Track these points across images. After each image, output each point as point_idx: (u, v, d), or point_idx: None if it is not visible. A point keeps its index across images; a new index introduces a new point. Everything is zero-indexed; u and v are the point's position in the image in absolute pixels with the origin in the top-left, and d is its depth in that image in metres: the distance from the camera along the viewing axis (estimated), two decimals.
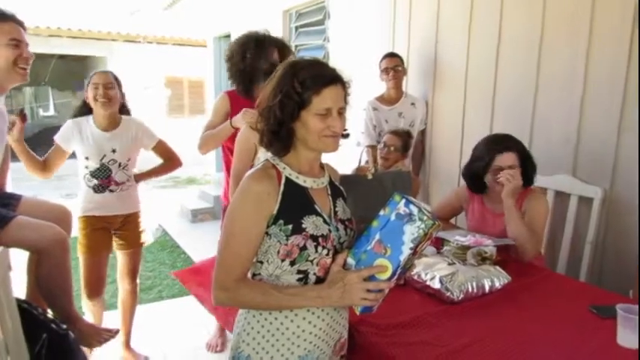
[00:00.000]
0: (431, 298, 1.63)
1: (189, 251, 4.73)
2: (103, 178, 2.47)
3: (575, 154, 2.47)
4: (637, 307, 1.36)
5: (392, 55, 3.31)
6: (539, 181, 2.52)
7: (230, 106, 2.46)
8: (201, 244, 4.73)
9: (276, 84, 1.19)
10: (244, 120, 2.16)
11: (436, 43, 3.29)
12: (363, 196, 1.68)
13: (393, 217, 1.12)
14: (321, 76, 1.17)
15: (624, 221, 2.29)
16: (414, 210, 1.11)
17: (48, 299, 1.81)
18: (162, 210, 6.41)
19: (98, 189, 2.47)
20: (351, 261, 1.16)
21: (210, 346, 2.90)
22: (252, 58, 2.34)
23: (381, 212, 1.15)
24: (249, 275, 1.26)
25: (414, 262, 1.28)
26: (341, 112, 1.20)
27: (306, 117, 1.16)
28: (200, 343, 2.95)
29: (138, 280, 2.75)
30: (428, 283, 1.65)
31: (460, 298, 1.59)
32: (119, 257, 2.66)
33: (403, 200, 1.13)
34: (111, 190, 2.50)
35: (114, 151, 2.47)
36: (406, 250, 1.10)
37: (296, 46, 5.30)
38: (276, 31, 5.54)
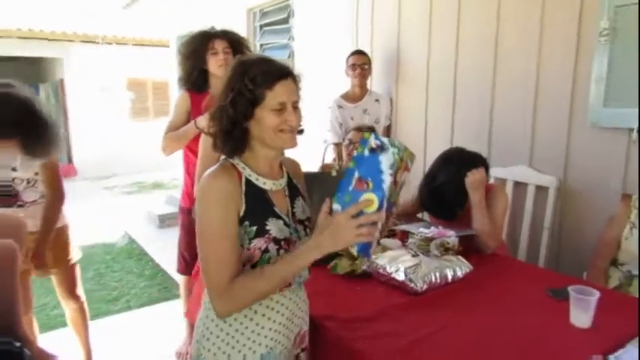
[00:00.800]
0: (396, 290, 1.67)
1: (158, 258, 4.62)
2: (6, 197, 2.17)
3: (532, 147, 2.58)
4: (588, 288, 1.44)
5: (360, 53, 3.35)
6: (499, 172, 2.62)
7: (190, 104, 2.44)
8: (170, 250, 4.58)
9: (227, 84, 1.17)
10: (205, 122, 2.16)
11: (398, 40, 3.36)
12: (328, 193, 1.70)
13: (366, 153, 1.15)
14: (272, 71, 1.15)
15: (577, 208, 2.41)
16: (385, 140, 1.14)
17: None
18: (128, 216, 6.26)
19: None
20: (336, 206, 1.14)
21: (180, 354, 2.84)
22: (200, 52, 2.34)
23: (355, 153, 1.17)
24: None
25: (399, 199, 1.27)
26: (295, 107, 1.19)
27: (260, 114, 1.15)
28: (171, 351, 2.89)
29: (82, 297, 2.51)
30: (392, 275, 1.68)
31: (424, 289, 1.63)
32: (52, 278, 2.38)
33: (372, 135, 1.16)
34: (20, 206, 2.18)
35: (14, 169, 2.16)
36: (387, 178, 1.11)
37: (261, 45, 5.28)
38: (241, 30, 5.50)
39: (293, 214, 1.28)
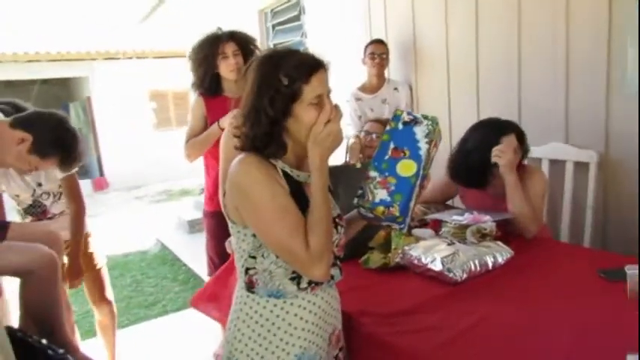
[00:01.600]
0: (433, 281, 1.58)
1: (190, 263, 4.68)
2: (38, 214, 2.28)
3: (566, 122, 2.43)
4: None
5: (379, 42, 3.28)
6: (533, 151, 2.48)
7: (206, 108, 2.42)
8: (201, 255, 4.64)
9: (258, 81, 1.11)
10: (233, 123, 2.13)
11: (414, 24, 3.24)
12: (354, 186, 1.63)
13: (400, 127, 1.21)
14: (306, 63, 1.11)
15: (622, 183, 2.25)
16: (417, 115, 1.21)
17: (38, 326, 1.73)
18: (159, 224, 6.37)
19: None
20: (373, 173, 1.18)
21: (218, 356, 2.83)
22: (210, 57, 2.31)
23: (388, 127, 1.21)
24: (243, 270, 1.20)
25: (429, 174, 1.30)
26: (328, 97, 1.14)
27: (299, 110, 1.09)
28: (208, 353, 2.89)
29: (113, 301, 2.55)
30: (429, 266, 1.59)
31: (464, 278, 1.54)
32: (83, 284, 2.40)
33: (405, 112, 1.22)
34: (49, 218, 2.28)
35: (39, 184, 2.23)
36: (423, 146, 1.18)
37: (274, 45, 5.25)
38: (253, 31, 5.49)
39: None
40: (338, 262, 1.25)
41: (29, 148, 1.79)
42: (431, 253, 1.62)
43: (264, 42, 5.36)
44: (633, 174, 2.19)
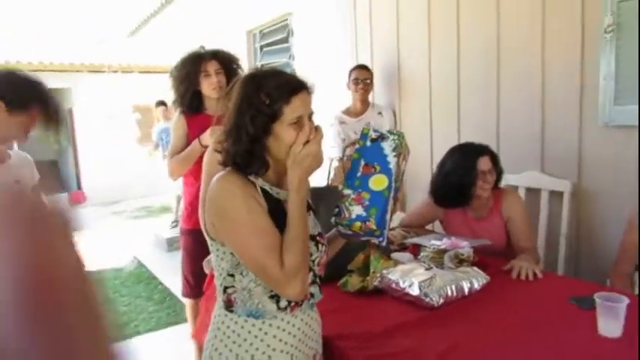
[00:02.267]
0: (410, 305, 1.59)
1: (166, 282, 4.59)
2: None
3: (542, 151, 2.51)
4: (616, 295, 1.36)
5: (363, 67, 3.35)
6: (510, 179, 2.55)
7: (187, 126, 2.42)
8: (179, 274, 4.60)
9: (241, 99, 1.13)
10: (213, 137, 2.14)
11: (398, 51, 3.33)
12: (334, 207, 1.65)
13: (368, 143, 1.24)
14: (288, 84, 1.13)
15: (595, 212, 2.32)
16: (383, 131, 1.25)
17: None
18: (136, 241, 6.25)
19: None
20: (347, 191, 1.21)
21: None
22: (193, 75, 2.32)
23: (356, 146, 1.25)
24: (221, 289, 1.20)
25: (400, 187, 1.33)
26: (310, 118, 1.16)
27: (279, 129, 1.11)
28: None
29: None
30: (407, 290, 1.61)
31: (440, 303, 1.56)
32: None
33: (371, 128, 1.26)
34: None
35: (17, 182, 2.19)
36: (392, 160, 1.22)
37: (262, 66, 5.30)
38: (241, 52, 5.54)
39: None
40: (318, 281, 1.25)
41: (6, 109, 1.73)
42: (409, 277, 1.63)
43: (252, 62, 5.41)
44: (605, 204, 2.26)
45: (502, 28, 2.61)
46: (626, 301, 1.31)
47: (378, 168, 1.22)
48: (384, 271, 1.70)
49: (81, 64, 9.76)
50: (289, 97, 1.11)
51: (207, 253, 2.55)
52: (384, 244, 1.24)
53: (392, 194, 1.21)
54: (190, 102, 2.39)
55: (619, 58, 2.10)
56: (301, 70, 4.48)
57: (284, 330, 1.18)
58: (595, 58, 2.19)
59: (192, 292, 2.60)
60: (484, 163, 2.07)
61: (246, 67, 5.34)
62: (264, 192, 1.16)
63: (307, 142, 1.11)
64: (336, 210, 1.22)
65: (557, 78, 2.38)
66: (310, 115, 1.16)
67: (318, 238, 1.25)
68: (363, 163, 1.22)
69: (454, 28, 2.87)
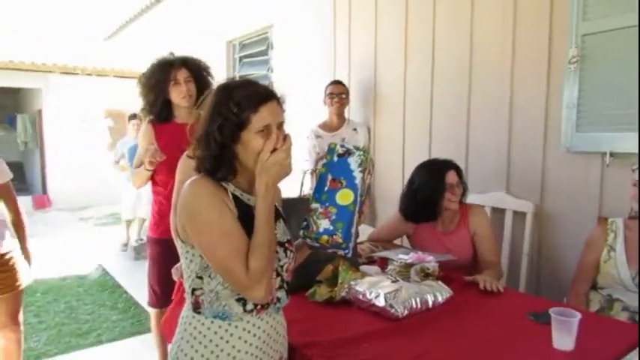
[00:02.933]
0: (376, 316, 1.63)
1: (132, 291, 4.49)
2: None
3: (508, 173, 2.61)
4: (569, 310, 1.43)
5: (338, 83, 3.41)
6: (477, 199, 2.63)
7: (154, 134, 2.39)
8: (145, 283, 4.51)
9: (212, 108, 1.17)
10: (147, 158, 2.24)
11: (375, 70, 3.42)
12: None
13: (335, 158, 1.28)
14: (256, 94, 1.16)
15: (555, 233, 2.43)
16: (349, 146, 1.30)
17: None
18: (103, 248, 6.10)
19: None
20: (315, 205, 1.25)
21: None
22: (162, 83, 2.30)
23: (324, 160, 1.29)
24: (190, 291, 1.22)
25: (365, 201, 1.36)
26: (280, 127, 1.18)
27: (247, 137, 1.14)
28: None
29: (22, 327, 2.44)
30: (373, 301, 1.64)
31: (405, 314, 1.60)
32: None
33: (338, 144, 1.30)
34: None
35: None
36: (358, 175, 1.26)
37: (240, 77, 5.32)
38: (220, 62, 5.57)
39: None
40: (285, 286, 1.28)
41: None
42: (375, 288, 1.67)
43: (231, 73, 5.43)
44: (565, 226, 2.37)
45: (474, 53, 2.72)
46: (578, 316, 1.38)
47: (344, 183, 1.26)
48: (352, 283, 1.73)
49: (53, 64, 9.50)
50: (257, 106, 1.14)
51: (175, 261, 2.56)
52: (349, 255, 1.28)
53: (357, 208, 1.25)
54: (160, 110, 2.37)
55: (582, 88, 2.22)
56: (279, 83, 4.53)
57: (249, 332, 1.20)
58: (560, 87, 2.31)
59: (158, 302, 2.56)
60: (451, 177, 2.19)
61: (224, 77, 5.38)
62: (235, 198, 1.19)
63: (275, 150, 1.14)
64: (304, 223, 1.26)
65: (525, 103, 2.49)
66: (280, 124, 1.19)
67: (287, 245, 1.28)
68: (330, 177, 1.26)
69: (430, 51, 2.97)
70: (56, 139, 9.62)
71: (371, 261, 2.19)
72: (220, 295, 1.18)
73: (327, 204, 1.23)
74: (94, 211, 9.21)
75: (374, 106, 3.46)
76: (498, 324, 1.60)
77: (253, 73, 5.13)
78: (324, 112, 3.46)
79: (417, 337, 1.49)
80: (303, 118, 3.51)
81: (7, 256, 2.31)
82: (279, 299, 1.25)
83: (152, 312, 2.68)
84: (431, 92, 3.00)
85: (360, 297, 1.69)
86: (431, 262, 1.92)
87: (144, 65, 2.43)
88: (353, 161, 1.27)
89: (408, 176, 2.95)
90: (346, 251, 1.26)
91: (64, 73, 9.63)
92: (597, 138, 2.18)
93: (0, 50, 9.07)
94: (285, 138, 1.17)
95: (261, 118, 1.14)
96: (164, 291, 2.50)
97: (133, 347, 3.34)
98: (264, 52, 4.87)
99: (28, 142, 10.11)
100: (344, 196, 1.24)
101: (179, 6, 5.91)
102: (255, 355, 1.21)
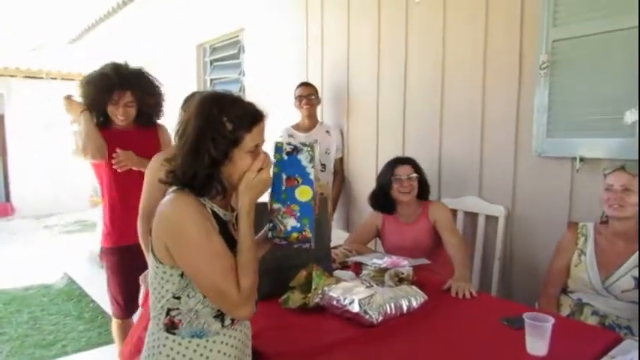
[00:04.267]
0: (350, 322, 1.60)
1: (99, 300, 4.33)
2: None
3: (480, 177, 2.62)
4: (542, 315, 1.42)
5: (306, 85, 3.39)
6: (450, 203, 2.64)
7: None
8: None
9: (202, 122, 1.13)
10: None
11: (348, 72, 3.41)
12: None
13: (285, 157, 1.30)
14: (251, 113, 1.17)
15: (526, 237, 2.45)
16: (296, 143, 1.33)
17: None
18: (68, 256, 5.89)
19: None
20: (277, 205, 1.27)
21: None
22: (101, 102, 2.28)
23: (274, 160, 1.29)
24: (163, 311, 1.18)
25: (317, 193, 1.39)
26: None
27: (237, 156, 1.15)
28: None
29: None
30: (347, 307, 1.61)
31: (379, 320, 1.57)
32: None
33: (284, 143, 1.31)
34: None
35: None
36: (311, 170, 1.29)
37: (211, 80, 5.25)
38: (190, 65, 5.48)
39: None
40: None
41: None
42: (350, 294, 1.64)
43: (201, 76, 5.34)
44: (536, 230, 2.39)
45: (447, 57, 2.73)
46: (551, 320, 1.38)
47: (300, 180, 1.28)
48: (326, 288, 1.70)
49: (16, 68, 9.19)
50: (251, 126, 1.15)
51: (136, 268, 2.50)
52: (313, 247, 1.30)
53: (315, 202, 1.30)
54: (97, 120, 2.35)
55: (552, 93, 2.24)
56: (251, 85, 4.49)
57: (227, 344, 1.21)
58: (531, 92, 2.33)
59: (123, 313, 2.50)
60: (401, 170, 2.41)
61: (194, 80, 5.29)
62: (214, 213, 1.19)
63: (261, 169, 1.17)
64: (270, 225, 1.27)
65: (496, 108, 2.52)
66: (263, 142, 1.22)
67: None
68: (284, 176, 1.29)
69: (402, 53, 2.98)
70: (19, 144, 9.31)
71: (345, 266, 2.16)
72: (200, 314, 1.16)
73: (288, 202, 1.26)
74: (59, 218, 8.91)
75: (347, 109, 3.45)
76: (473, 329, 1.59)
77: (224, 76, 5.07)
78: (296, 115, 3.43)
79: (391, 343, 1.47)
80: (276, 120, 3.46)
81: None
82: None
83: (114, 322, 2.58)
84: (404, 96, 3.01)
85: (334, 303, 1.65)
86: (405, 266, 1.91)
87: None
88: (303, 158, 1.30)
89: None
90: (310, 244, 1.29)
91: (27, 77, 9.34)
92: (568, 143, 2.20)
93: None
94: (267, 157, 1.21)
95: (252, 138, 1.16)
96: (127, 301, 2.44)
97: (100, 358, 3.25)
98: (236, 56, 4.81)
99: None
100: (303, 193, 1.27)
101: (148, 9, 5.80)
102: None
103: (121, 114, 2.26)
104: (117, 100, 2.24)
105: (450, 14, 2.70)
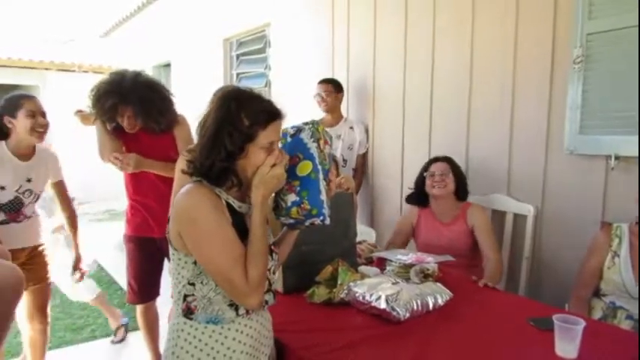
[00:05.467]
0: (375, 318, 1.59)
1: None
2: (12, 212, 2.29)
3: (509, 175, 2.57)
4: (573, 317, 1.39)
5: (324, 82, 3.39)
6: (478, 200, 2.60)
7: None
8: None
9: (221, 116, 1.17)
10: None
11: (374, 67, 3.38)
12: None
13: (289, 139, 1.33)
14: (268, 111, 1.20)
15: (556, 237, 2.39)
16: (299, 124, 1.35)
17: None
18: (99, 244, 6.05)
19: (2, 222, 2.27)
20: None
21: None
22: (109, 113, 2.36)
23: (280, 145, 1.30)
24: (180, 297, 1.22)
25: (332, 169, 1.42)
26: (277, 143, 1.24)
27: (251, 150, 1.17)
28: None
29: (49, 319, 2.54)
30: (374, 304, 1.60)
31: (406, 317, 1.56)
32: (25, 295, 2.39)
33: (288, 128, 1.34)
34: (17, 222, 2.31)
35: (29, 180, 2.33)
36: (312, 145, 1.31)
37: (237, 74, 5.28)
38: (217, 59, 5.53)
39: None
40: (272, 288, 1.30)
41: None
42: (376, 290, 1.63)
43: (228, 70, 5.39)
44: (566, 230, 2.33)
45: (475, 52, 2.68)
46: (582, 323, 1.34)
47: (301, 156, 1.30)
48: (351, 284, 1.70)
49: (50, 62, 9.51)
50: (266, 124, 1.18)
51: (152, 258, 2.59)
52: (326, 222, 1.30)
53: (321, 176, 1.29)
54: (113, 124, 2.47)
55: (586, 89, 2.17)
56: (277, 80, 4.50)
57: (242, 332, 1.23)
58: (563, 88, 2.26)
59: (135, 298, 2.60)
60: (435, 167, 2.47)
61: (221, 74, 5.34)
62: (228, 205, 1.21)
63: (274, 164, 1.19)
64: (274, 204, 1.30)
65: (526, 105, 2.46)
66: (278, 140, 1.25)
67: (272, 247, 1.31)
68: (287, 156, 1.30)
69: (430, 49, 2.93)
70: (53, 136, 9.58)
71: (369, 262, 2.16)
72: (213, 301, 1.20)
73: (290, 179, 1.27)
74: (90, 207, 9.15)
75: (373, 104, 3.42)
76: (499, 328, 1.56)
77: (251, 70, 5.09)
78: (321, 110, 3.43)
79: (417, 340, 1.46)
80: (302, 115, 3.47)
81: (41, 248, 2.45)
82: (266, 302, 1.28)
83: (137, 309, 2.67)
84: (431, 92, 2.96)
85: (360, 299, 1.65)
86: (430, 262, 1.89)
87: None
88: (305, 136, 1.32)
89: (407, 177, 2.96)
90: (321, 218, 1.29)
91: (60, 70, 9.62)
92: (602, 140, 2.13)
93: (1, 48, 9.09)
94: (282, 154, 1.23)
95: (267, 135, 1.18)
96: (141, 286, 2.55)
97: (127, 343, 3.36)
98: (262, 50, 4.83)
99: None
100: (303, 168, 1.28)
101: (176, 3, 5.88)
102: (250, 353, 1.25)
103: (126, 125, 2.35)
104: (121, 113, 2.33)
105: (480, 7, 2.64)
